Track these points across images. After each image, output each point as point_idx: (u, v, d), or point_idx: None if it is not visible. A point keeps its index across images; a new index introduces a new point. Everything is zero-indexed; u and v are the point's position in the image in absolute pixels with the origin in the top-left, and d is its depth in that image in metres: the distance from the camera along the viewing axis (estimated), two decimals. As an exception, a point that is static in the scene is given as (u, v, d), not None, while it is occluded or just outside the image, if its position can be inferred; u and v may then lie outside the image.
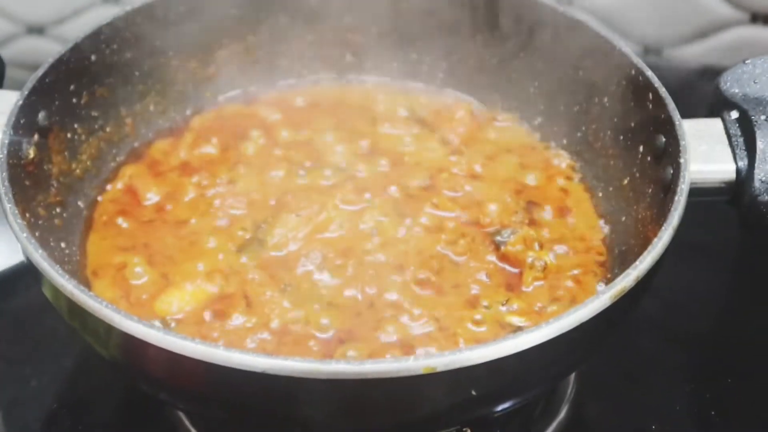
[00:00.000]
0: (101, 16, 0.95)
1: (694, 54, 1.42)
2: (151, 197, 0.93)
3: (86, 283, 0.84)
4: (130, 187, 0.94)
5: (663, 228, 0.72)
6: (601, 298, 0.67)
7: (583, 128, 0.96)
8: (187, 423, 0.87)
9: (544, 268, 0.85)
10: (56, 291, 0.68)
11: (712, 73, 0.85)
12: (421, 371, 0.62)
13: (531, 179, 0.96)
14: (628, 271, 0.69)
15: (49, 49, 0.86)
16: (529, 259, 0.85)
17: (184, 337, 0.63)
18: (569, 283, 0.85)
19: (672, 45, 1.42)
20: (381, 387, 0.63)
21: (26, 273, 0.76)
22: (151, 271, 0.84)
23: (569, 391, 0.91)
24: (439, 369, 0.62)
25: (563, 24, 0.95)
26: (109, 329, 0.65)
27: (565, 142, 0.98)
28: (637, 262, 0.69)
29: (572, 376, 0.92)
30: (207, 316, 0.81)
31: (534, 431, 0.88)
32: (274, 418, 0.69)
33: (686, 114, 0.83)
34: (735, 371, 0.96)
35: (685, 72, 1.39)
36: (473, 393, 0.66)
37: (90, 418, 0.93)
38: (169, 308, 0.81)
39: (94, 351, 0.73)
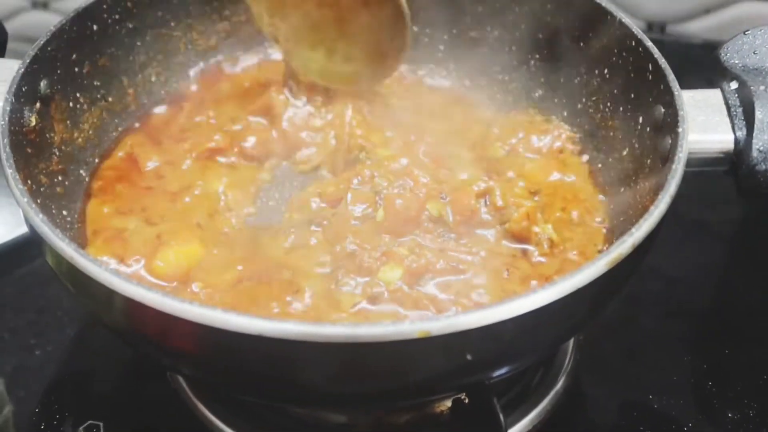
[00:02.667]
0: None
1: (697, 30, 1.41)
2: (151, 165, 0.93)
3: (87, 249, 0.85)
4: (131, 155, 0.94)
5: (660, 196, 0.72)
6: (598, 264, 0.67)
7: (584, 100, 0.96)
8: (188, 391, 0.88)
9: (551, 244, 0.86)
10: (57, 256, 0.68)
11: (715, 49, 0.85)
12: (416, 335, 0.62)
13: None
14: (624, 237, 0.69)
15: (53, 23, 0.86)
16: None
17: (182, 300, 0.63)
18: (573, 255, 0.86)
19: (675, 21, 1.42)
20: (376, 351, 0.63)
21: (30, 244, 0.76)
22: (148, 231, 0.85)
23: (567, 361, 0.92)
24: (434, 333, 0.62)
25: (565, -4, 0.95)
26: (109, 293, 0.65)
27: (565, 114, 0.98)
28: (633, 230, 0.69)
29: (570, 347, 0.92)
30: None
31: (532, 400, 0.88)
32: (272, 381, 0.69)
33: (691, 88, 0.82)
34: (732, 342, 0.96)
35: (688, 48, 1.39)
36: (468, 358, 0.66)
37: (93, 386, 0.94)
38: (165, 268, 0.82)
39: (95, 318, 0.73)
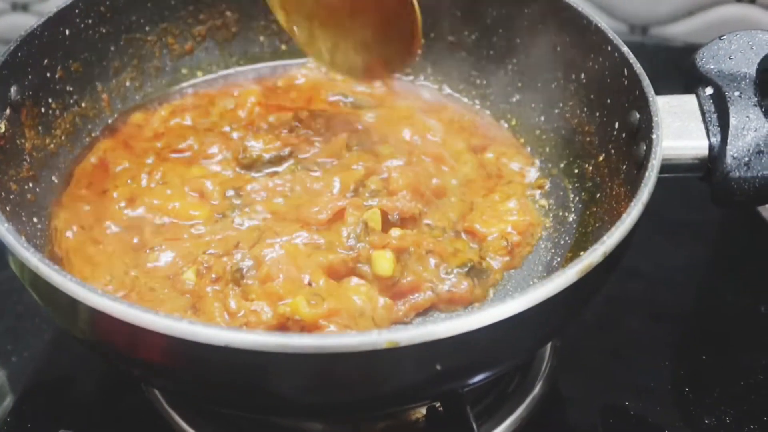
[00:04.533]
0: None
1: (680, 32, 1.41)
2: (120, 170, 0.92)
3: (56, 258, 0.83)
4: (103, 160, 0.93)
5: (632, 203, 0.71)
6: (568, 273, 0.66)
7: (561, 105, 0.95)
8: (162, 400, 0.87)
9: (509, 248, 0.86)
10: (21, 265, 0.67)
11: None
12: (384, 345, 0.61)
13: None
14: (596, 246, 0.68)
15: (33, 26, 0.86)
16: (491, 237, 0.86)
17: (146, 310, 0.62)
18: None
19: (658, 23, 1.41)
20: (344, 361, 0.62)
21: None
22: None
23: (544, 367, 0.91)
24: (402, 343, 0.61)
25: (542, 1, 0.94)
26: (74, 303, 0.64)
27: (542, 119, 0.97)
28: (605, 238, 0.69)
29: (548, 351, 0.92)
30: None
31: (508, 407, 0.87)
32: (240, 392, 0.68)
33: (671, 91, 0.82)
34: (710, 347, 0.96)
35: (669, 50, 1.38)
36: (439, 367, 0.65)
37: (68, 394, 0.93)
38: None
39: (63, 327, 0.72)
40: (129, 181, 0.90)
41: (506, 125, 1.00)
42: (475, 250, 0.86)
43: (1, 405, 0.91)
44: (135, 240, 0.85)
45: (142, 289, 0.81)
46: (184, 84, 1.04)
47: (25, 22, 1.37)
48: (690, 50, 0.85)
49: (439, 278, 0.82)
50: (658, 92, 0.80)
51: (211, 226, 0.85)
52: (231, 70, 1.06)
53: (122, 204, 0.88)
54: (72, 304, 0.65)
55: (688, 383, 0.92)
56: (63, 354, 0.97)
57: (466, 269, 0.83)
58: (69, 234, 0.86)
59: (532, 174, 0.95)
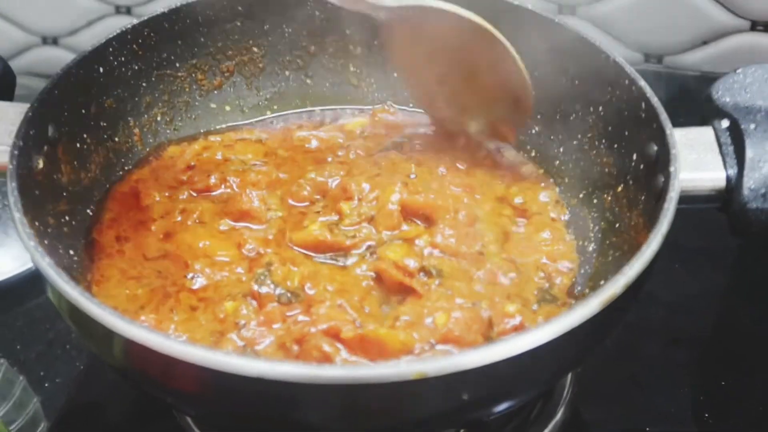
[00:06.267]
0: (114, 26, 0.96)
1: (695, 61, 1.42)
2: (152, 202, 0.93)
3: (91, 282, 0.85)
4: (135, 190, 0.94)
5: (652, 235, 0.72)
6: (591, 303, 0.67)
7: (579, 137, 0.96)
8: (193, 426, 0.88)
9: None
10: (60, 296, 0.69)
11: (712, 80, 0.85)
12: (413, 377, 0.62)
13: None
14: (617, 277, 0.69)
15: (63, 59, 0.87)
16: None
17: (182, 342, 0.64)
18: None
19: (673, 52, 1.42)
20: (373, 392, 0.63)
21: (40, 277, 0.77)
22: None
23: (566, 393, 0.91)
24: (430, 374, 0.62)
25: (560, 35, 0.95)
26: (110, 334, 0.66)
27: (561, 150, 0.98)
28: (626, 268, 0.69)
29: (569, 378, 0.92)
30: None
31: (530, 433, 0.88)
32: (272, 421, 0.69)
33: (686, 120, 0.83)
34: (729, 373, 0.96)
35: (685, 79, 1.39)
36: (465, 397, 0.66)
37: (102, 420, 0.94)
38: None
39: (98, 356, 0.74)
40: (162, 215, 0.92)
41: (526, 156, 1.02)
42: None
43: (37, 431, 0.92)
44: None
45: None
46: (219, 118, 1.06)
47: (55, 56, 1.42)
48: (704, 78, 0.86)
49: None
50: (673, 119, 0.81)
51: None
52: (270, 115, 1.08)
53: (159, 236, 0.90)
54: (108, 335, 0.66)
55: (707, 408, 0.93)
56: (95, 380, 0.98)
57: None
58: (104, 260, 0.88)
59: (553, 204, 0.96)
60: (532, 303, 0.84)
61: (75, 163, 0.90)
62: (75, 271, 0.85)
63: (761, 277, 1.08)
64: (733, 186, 0.79)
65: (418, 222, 0.90)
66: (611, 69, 0.89)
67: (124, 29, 0.95)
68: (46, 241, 0.79)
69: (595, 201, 0.93)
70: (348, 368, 0.63)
